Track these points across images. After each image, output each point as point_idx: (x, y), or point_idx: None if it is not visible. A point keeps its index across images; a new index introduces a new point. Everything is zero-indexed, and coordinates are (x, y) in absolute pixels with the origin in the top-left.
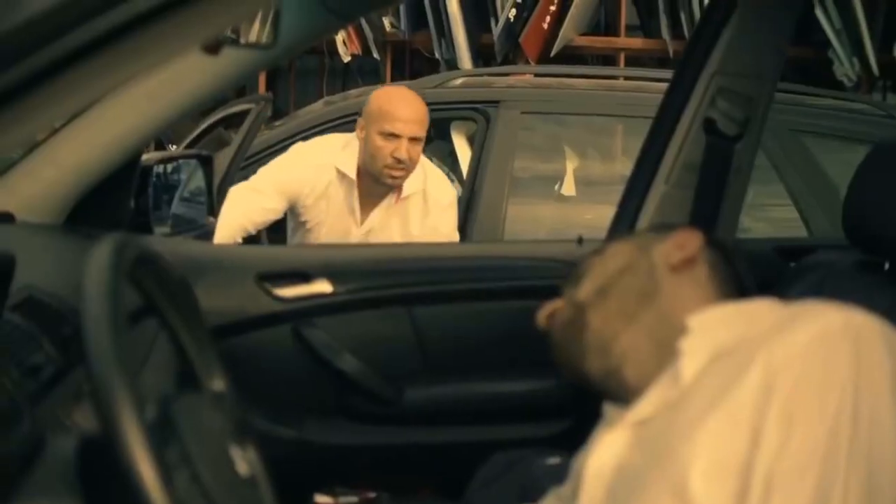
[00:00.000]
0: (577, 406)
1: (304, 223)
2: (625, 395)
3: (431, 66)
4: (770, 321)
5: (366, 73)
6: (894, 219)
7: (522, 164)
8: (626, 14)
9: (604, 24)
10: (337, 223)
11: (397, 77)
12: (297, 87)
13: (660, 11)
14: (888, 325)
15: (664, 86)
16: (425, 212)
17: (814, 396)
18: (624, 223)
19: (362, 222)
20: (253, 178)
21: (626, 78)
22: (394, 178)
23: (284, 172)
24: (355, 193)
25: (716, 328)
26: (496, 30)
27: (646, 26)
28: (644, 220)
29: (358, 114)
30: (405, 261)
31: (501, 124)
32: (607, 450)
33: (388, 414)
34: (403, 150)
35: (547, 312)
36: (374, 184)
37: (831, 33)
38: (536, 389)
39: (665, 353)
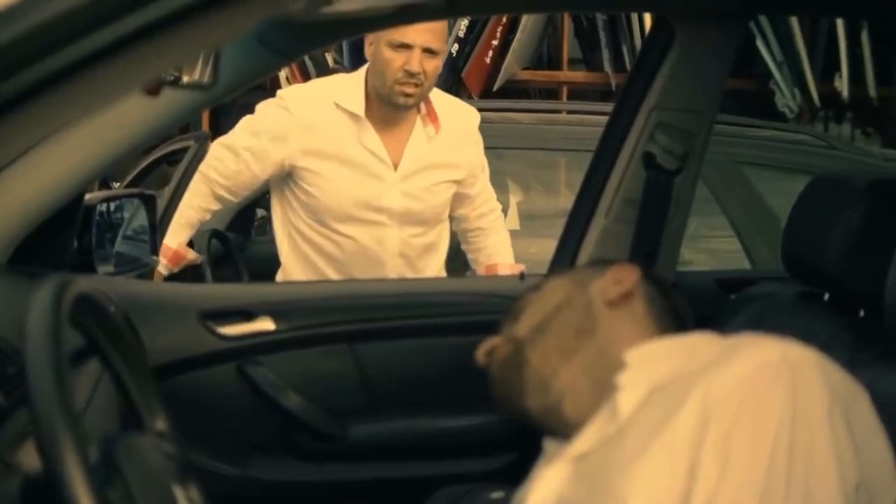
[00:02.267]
0: (521, 441)
1: (308, 198)
2: (564, 431)
3: None
4: (707, 355)
5: None
6: (832, 251)
7: None
8: (568, 48)
9: (546, 57)
10: (360, 180)
11: None
12: None
13: (602, 45)
14: (826, 357)
15: (607, 119)
16: (464, 142)
17: (750, 430)
18: (564, 257)
19: (396, 166)
20: (227, 135)
21: (569, 112)
22: (407, 96)
23: (268, 120)
24: (371, 133)
25: (653, 362)
26: None
27: (588, 60)
28: (584, 254)
29: None
30: (348, 297)
31: None
32: (547, 485)
33: (333, 450)
34: (416, 61)
35: (486, 349)
36: (392, 113)
37: (773, 65)
38: (480, 424)
39: (603, 387)
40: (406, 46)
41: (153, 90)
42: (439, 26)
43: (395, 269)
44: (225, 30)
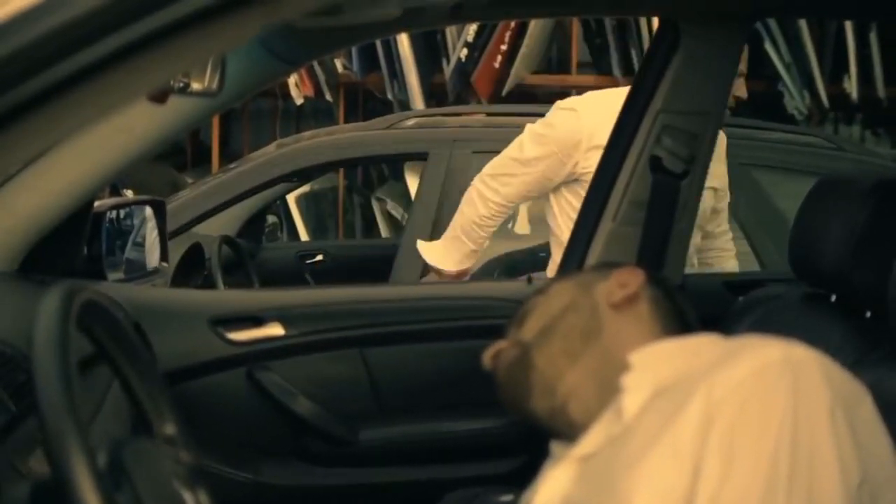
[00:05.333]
0: (530, 444)
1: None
2: (570, 433)
3: (385, 108)
4: (711, 356)
5: (319, 114)
6: (839, 252)
7: None
8: (577, 51)
9: (556, 61)
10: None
11: (350, 119)
12: (251, 130)
13: (611, 48)
14: (829, 358)
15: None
16: (718, 157)
17: (753, 430)
18: (572, 261)
19: None
20: (512, 148)
21: None
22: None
23: (560, 128)
24: None
25: (657, 364)
26: (448, 70)
27: (597, 63)
28: (592, 257)
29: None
30: (356, 302)
31: (454, 164)
32: (553, 485)
33: (343, 455)
34: (742, 87)
35: (492, 353)
36: None
37: (781, 67)
38: (489, 428)
39: (609, 389)
40: (739, 75)
41: (160, 98)
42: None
43: None
44: (229, 37)
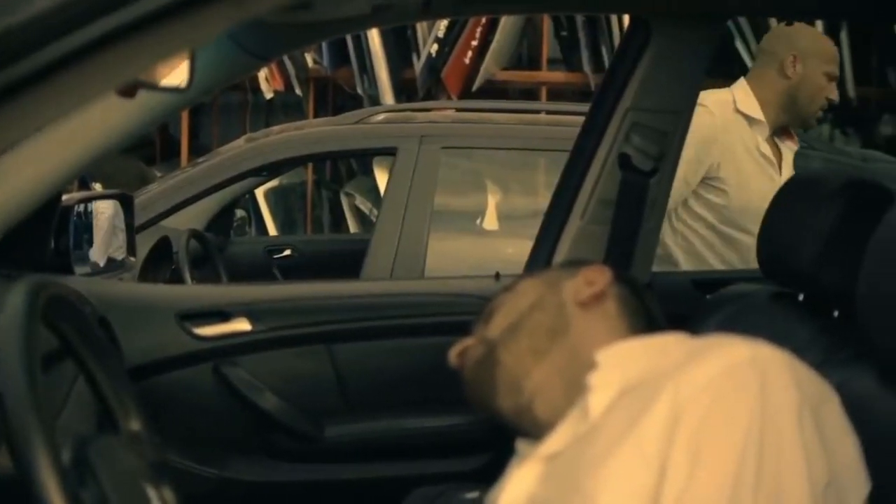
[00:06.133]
0: (496, 441)
1: (725, 199)
2: (537, 431)
3: (355, 102)
4: (678, 355)
5: (288, 109)
6: (807, 251)
7: (444, 199)
8: (547, 48)
9: (526, 57)
10: (763, 180)
11: (320, 113)
12: (220, 124)
13: (581, 45)
14: (796, 358)
15: (581, 119)
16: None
17: (720, 429)
18: (540, 259)
19: (781, 170)
20: None
21: (548, 112)
22: (818, 119)
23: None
24: (762, 140)
25: (624, 363)
26: (418, 65)
27: (568, 60)
28: (560, 255)
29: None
30: (324, 298)
31: (422, 159)
32: (519, 484)
33: (309, 451)
34: (835, 92)
35: (458, 350)
36: (780, 124)
37: (751, 65)
38: (456, 424)
39: (575, 388)
40: (833, 79)
41: (128, 92)
42: None
43: None
44: (200, 32)
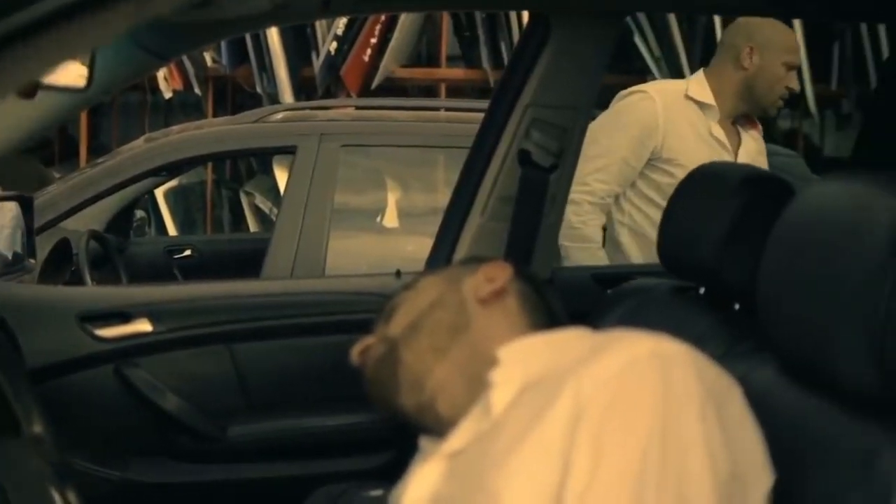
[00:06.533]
0: (399, 438)
1: (670, 179)
2: (440, 428)
3: (254, 101)
4: (579, 351)
5: (187, 108)
6: (707, 245)
7: (344, 198)
8: (446, 45)
9: (425, 55)
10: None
11: (219, 112)
12: (120, 124)
13: (480, 42)
14: (698, 351)
15: (481, 115)
16: (764, 152)
17: (622, 423)
18: (440, 256)
19: (738, 156)
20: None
21: (448, 109)
22: (779, 107)
23: (637, 113)
24: (717, 125)
25: (525, 359)
26: (317, 63)
27: (467, 56)
28: (461, 252)
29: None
30: (224, 298)
31: (322, 157)
32: (423, 482)
33: (212, 451)
34: (795, 81)
35: (360, 349)
36: (736, 111)
37: (651, 61)
38: (358, 423)
39: (477, 385)
40: (792, 68)
41: (28, 93)
42: None
43: None
44: (100, 32)
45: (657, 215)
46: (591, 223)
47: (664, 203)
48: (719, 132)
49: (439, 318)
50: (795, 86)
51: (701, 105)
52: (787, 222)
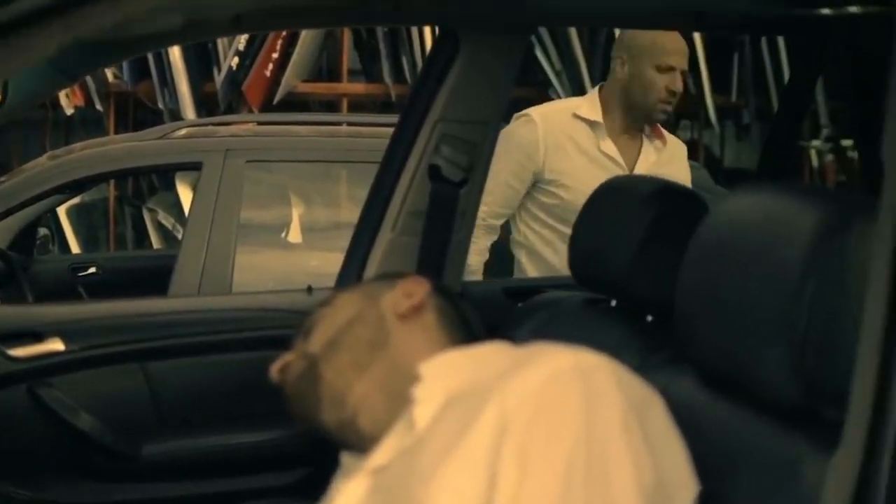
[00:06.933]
0: (314, 454)
1: (555, 200)
2: (362, 444)
3: (155, 116)
4: (501, 365)
5: (88, 124)
6: (618, 257)
7: (249, 213)
8: (347, 59)
9: (326, 69)
10: (590, 181)
11: (120, 129)
12: (20, 141)
13: (382, 56)
14: (617, 362)
15: (388, 130)
16: (681, 162)
17: (547, 435)
18: (351, 271)
19: (636, 168)
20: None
21: (350, 123)
22: (664, 112)
23: (519, 137)
24: (607, 140)
25: (447, 374)
26: (219, 78)
27: (368, 71)
28: (372, 267)
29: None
30: (136, 316)
31: (227, 173)
32: (348, 498)
33: (127, 470)
34: (679, 82)
35: (279, 366)
36: (629, 125)
37: (552, 74)
38: (273, 439)
39: (398, 400)
40: (671, 69)
41: None
42: (687, 49)
43: None
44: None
45: (549, 234)
46: (472, 247)
47: (553, 222)
48: (609, 148)
49: (359, 334)
50: (676, 87)
51: (590, 123)
52: (704, 236)
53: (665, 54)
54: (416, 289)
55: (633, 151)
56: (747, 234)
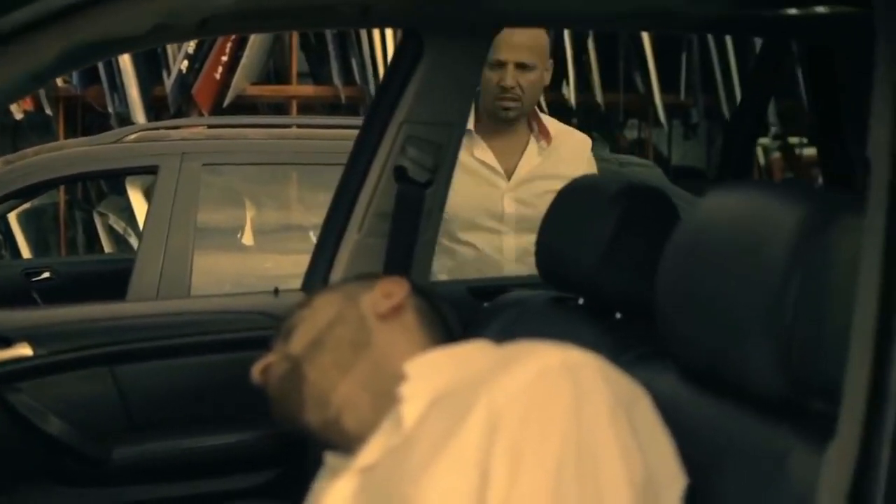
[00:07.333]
0: (286, 455)
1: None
2: (347, 444)
3: (104, 120)
4: (485, 363)
5: (36, 129)
6: (585, 256)
7: (206, 216)
8: (296, 62)
9: (274, 72)
10: (477, 188)
11: (70, 133)
12: None
13: (331, 58)
14: (604, 360)
15: (337, 132)
16: (576, 160)
17: (538, 432)
18: (318, 273)
19: (510, 176)
20: None
21: (299, 126)
22: (505, 109)
23: None
24: (481, 145)
25: (433, 373)
26: (168, 82)
27: (316, 73)
28: (338, 268)
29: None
30: (104, 320)
31: (184, 177)
32: (336, 497)
33: (97, 474)
34: (509, 77)
35: (261, 367)
36: (501, 127)
37: None
38: (243, 440)
39: (383, 400)
40: (501, 64)
41: None
42: (532, 41)
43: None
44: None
45: (439, 250)
46: None
47: (442, 236)
48: (484, 155)
49: (340, 334)
50: (505, 82)
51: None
52: (684, 234)
53: (495, 50)
54: (396, 289)
55: (513, 155)
56: (729, 231)
